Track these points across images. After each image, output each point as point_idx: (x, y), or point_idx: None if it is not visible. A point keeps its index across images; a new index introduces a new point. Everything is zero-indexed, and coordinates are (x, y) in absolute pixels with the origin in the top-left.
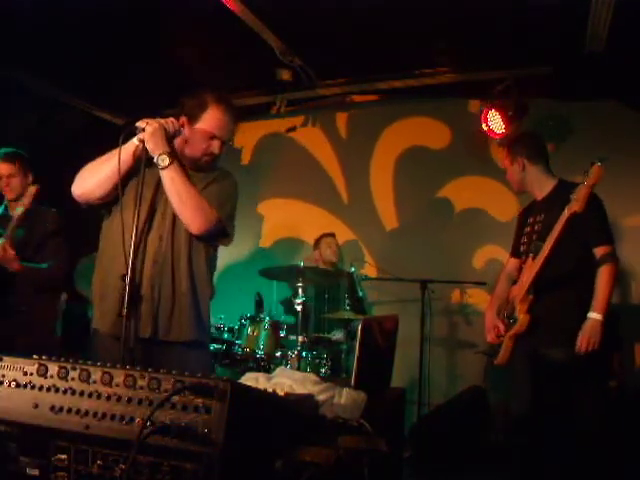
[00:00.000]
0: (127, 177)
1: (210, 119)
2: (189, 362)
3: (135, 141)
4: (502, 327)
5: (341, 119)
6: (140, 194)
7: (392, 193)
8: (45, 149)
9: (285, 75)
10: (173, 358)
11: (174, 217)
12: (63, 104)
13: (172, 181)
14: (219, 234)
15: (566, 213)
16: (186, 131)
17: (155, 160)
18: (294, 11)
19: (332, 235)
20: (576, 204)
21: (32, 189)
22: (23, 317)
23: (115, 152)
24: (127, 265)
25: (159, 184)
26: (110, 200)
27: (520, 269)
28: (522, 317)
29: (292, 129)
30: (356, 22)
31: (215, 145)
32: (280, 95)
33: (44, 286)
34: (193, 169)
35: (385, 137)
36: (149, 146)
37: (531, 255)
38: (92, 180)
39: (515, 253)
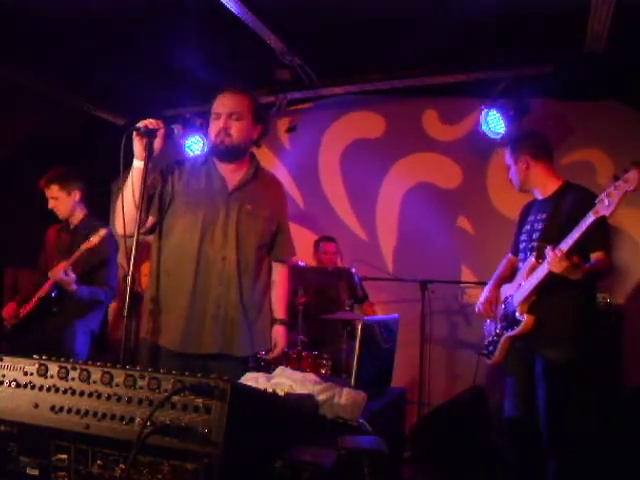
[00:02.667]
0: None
1: (213, 105)
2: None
3: (137, 164)
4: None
5: (341, 119)
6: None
7: (396, 193)
8: (45, 149)
9: (285, 75)
10: (228, 370)
11: (238, 238)
12: (63, 104)
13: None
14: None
15: (592, 217)
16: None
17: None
18: (294, 11)
19: (330, 239)
20: (605, 208)
21: (102, 232)
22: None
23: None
24: (129, 267)
25: (225, 204)
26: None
27: (515, 267)
28: (527, 319)
29: (292, 129)
30: (356, 22)
31: (219, 121)
32: (280, 95)
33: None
34: (226, 160)
35: (387, 137)
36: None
37: (533, 255)
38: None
39: (515, 251)
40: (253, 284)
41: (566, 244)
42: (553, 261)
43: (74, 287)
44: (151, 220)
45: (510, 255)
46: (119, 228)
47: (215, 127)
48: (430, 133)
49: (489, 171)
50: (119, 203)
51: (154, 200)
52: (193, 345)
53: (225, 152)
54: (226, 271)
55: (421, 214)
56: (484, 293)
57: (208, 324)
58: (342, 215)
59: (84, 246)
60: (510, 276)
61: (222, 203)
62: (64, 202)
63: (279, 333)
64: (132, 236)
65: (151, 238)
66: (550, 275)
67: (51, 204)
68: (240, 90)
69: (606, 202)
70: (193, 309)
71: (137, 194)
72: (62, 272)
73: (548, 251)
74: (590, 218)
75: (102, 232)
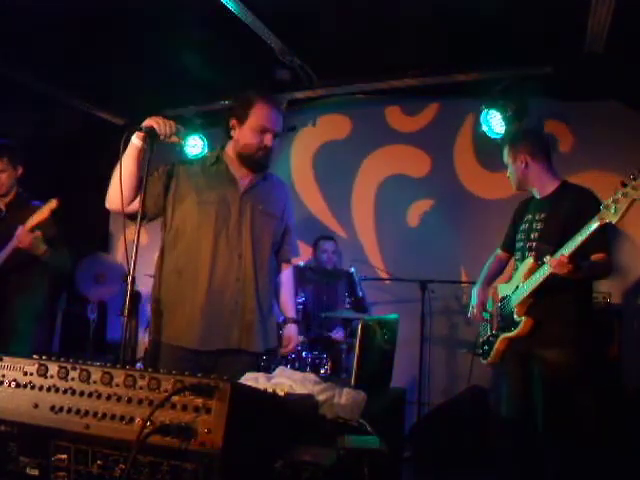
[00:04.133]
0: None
1: (258, 114)
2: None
3: (135, 141)
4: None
5: (342, 119)
6: (143, 199)
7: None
8: (45, 149)
9: (285, 75)
10: (245, 365)
11: (252, 237)
12: (63, 104)
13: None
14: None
15: (597, 223)
16: (237, 133)
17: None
18: (294, 11)
19: (329, 239)
20: (611, 215)
21: (53, 204)
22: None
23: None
24: (129, 266)
25: (237, 204)
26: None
27: (504, 264)
28: (525, 321)
29: (292, 129)
30: (356, 22)
31: (267, 138)
32: (280, 95)
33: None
34: (252, 170)
35: (386, 137)
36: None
37: (532, 256)
38: (115, 190)
39: (506, 247)
40: (267, 282)
41: (568, 249)
42: (556, 264)
43: (44, 247)
44: (135, 205)
45: (499, 251)
46: (112, 203)
47: (258, 140)
48: (394, 126)
49: (456, 156)
50: (115, 178)
51: (158, 200)
52: (214, 342)
53: (260, 166)
54: (243, 268)
55: (396, 204)
56: (474, 296)
57: (227, 320)
58: (322, 218)
59: (36, 217)
60: (499, 273)
61: (235, 203)
62: (10, 176)
63: (292, 331)
64: (120, 212)
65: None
66: (551, 277)
67: None
68: (283, 109)
69: (613, 209)
70: (211, 306)
71: (129, 176)
72: (29, 234)
73: (549, 259)
74: (594, 224)
75: (52, 203)
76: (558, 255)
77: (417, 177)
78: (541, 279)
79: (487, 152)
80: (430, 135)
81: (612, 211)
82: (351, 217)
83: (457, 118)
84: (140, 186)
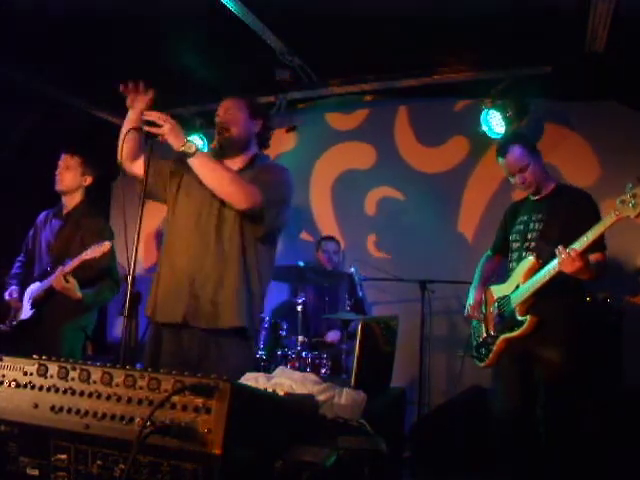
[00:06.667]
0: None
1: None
2: (231, 348)
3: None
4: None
5: (342, 118)
6: (145, 183)
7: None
8: (45, 149)
9: (285, 75)
10: (216, 345)
11: (219, 212)
12: (63, 104)
13: (205, 164)
14: (256, 216)
15: (614, 217)
16: None
17: (182, 150)
18: (294, 11)
19: (330, 239)
20: (629, 210)
21: (105, 247)
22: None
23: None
24: (129, 267)
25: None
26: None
27: (496, 265)
28: (530, 319)
29: (292, 129)
30: (356, 22)
31: (217, 119)
32: (280, 95)
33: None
34: (229, 154)
35: (386, 137)
36: (171, 140)
37: (533, 255)
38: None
39: (497, 249)
40: (237, 261)
41: (580, 244)
42: (566, 261)
43: (79, 294)
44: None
45: (490, 253)
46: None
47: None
48: (333, 126)
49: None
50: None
51: (159, 178)
52: (167, 314)
53: (226, 145)
54: (204, 245)
55: (353, 198)
56: (472, 295)
57: (179, 294)
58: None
59: (84, 256)
60: (493, 274)
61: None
62: (75, 179)
63: None
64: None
65: None
66: (557, 275)
67: (59, 173)
68: (235, 96)
69: (631, 204)
70: (167, 280)
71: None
72: (62, 280)
73: (560, 251)
74: (611, 219)
75: (105, 247)
76: (569, 250)
77: (366, 169)
78: (547, 277)
79: (425, 129)
80: (370, 127)
81: (630, 206)
82: (313, 219)
83: (392, 105)
84: (140, 147)
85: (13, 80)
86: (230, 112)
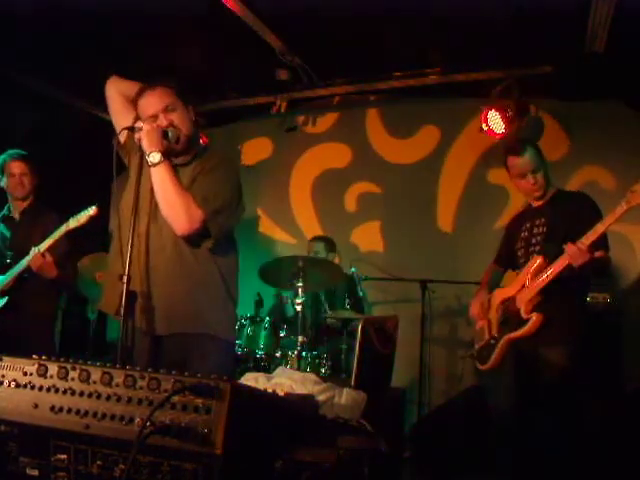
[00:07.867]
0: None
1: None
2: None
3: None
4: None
5: (342, 118)
6: (137, 189)
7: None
8: (45, 149)
9: (285, 75)
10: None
11: (159, 220)
12: (63, 104)
13: (161, 180)
14: (200, 236)
15: (624, 206)
16: None
17: (146, 156)
18: (294, 11)
19: (320, 239)
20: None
21: (92, 211)
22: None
23: None
24: (124, 266)
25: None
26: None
27: (500, 274)
28: (536, 317)
29: (292, 129)
30: (356, 22)
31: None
32: (280, 95)
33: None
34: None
35: (386, 137)
36: (144, 143)
37: (540, 257)
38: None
39: (501, 262)
40: (189, 264)
41: (587, 238)
42: (575, 254)
43: (55, 272)
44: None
45: (493, 264)
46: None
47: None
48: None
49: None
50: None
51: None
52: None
53: (180, 153)
54: (165, 252)
55: (332, 197)
56: (477, 297)
57: (143, 303)
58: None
59: (67, 228)
60: (498, 280)
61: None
62: (31, 182)
63: None
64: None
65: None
66: (564, 270)
67: (18, 180)
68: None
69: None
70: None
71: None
72: (40, 257)
73: (569, 245)
74: (622, 208)
75: (92, 211)
76: (577, 243)
77: (342, 167)
78: (557, 271)
79: (394, 122)
80: (342, 127)
81: (635, 193)
82: (295, 221)
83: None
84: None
85: (14, 80)
86: (174, 111)
